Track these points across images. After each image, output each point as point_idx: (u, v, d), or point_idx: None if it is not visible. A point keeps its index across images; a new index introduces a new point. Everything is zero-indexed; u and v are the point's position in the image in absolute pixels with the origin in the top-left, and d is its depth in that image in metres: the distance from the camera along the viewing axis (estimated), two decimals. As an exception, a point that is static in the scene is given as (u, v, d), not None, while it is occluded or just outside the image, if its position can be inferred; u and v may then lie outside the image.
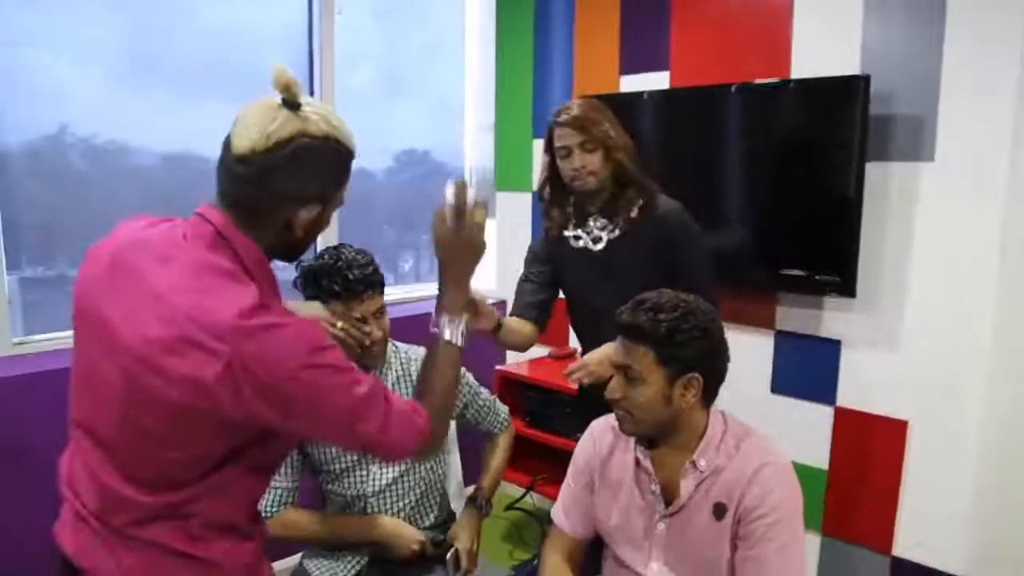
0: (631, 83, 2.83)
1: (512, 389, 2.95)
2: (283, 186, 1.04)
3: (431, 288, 3.23)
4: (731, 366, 1.40)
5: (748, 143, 2.42)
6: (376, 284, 1.67)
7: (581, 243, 1.90)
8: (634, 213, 1.84)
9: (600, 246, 1.88)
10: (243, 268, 1.05)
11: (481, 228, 1.22)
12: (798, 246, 2.36)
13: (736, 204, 2.50)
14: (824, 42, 2.33)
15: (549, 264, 1.96)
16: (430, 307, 1.23)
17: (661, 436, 1.40)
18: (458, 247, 1.21)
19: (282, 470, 1.71)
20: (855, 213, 2.19)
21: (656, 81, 2.75)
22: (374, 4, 3.10)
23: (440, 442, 1.22)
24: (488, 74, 3.36)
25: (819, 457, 2.47)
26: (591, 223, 1.89)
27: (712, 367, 1.36)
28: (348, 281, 1.62)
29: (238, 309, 0.97)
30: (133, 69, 2.40)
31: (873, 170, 2.22)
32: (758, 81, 2.38)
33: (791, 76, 2.39)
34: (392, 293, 3.17)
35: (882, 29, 2.21)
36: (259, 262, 1.08)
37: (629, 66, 2.85)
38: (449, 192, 1.19)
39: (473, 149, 3.47)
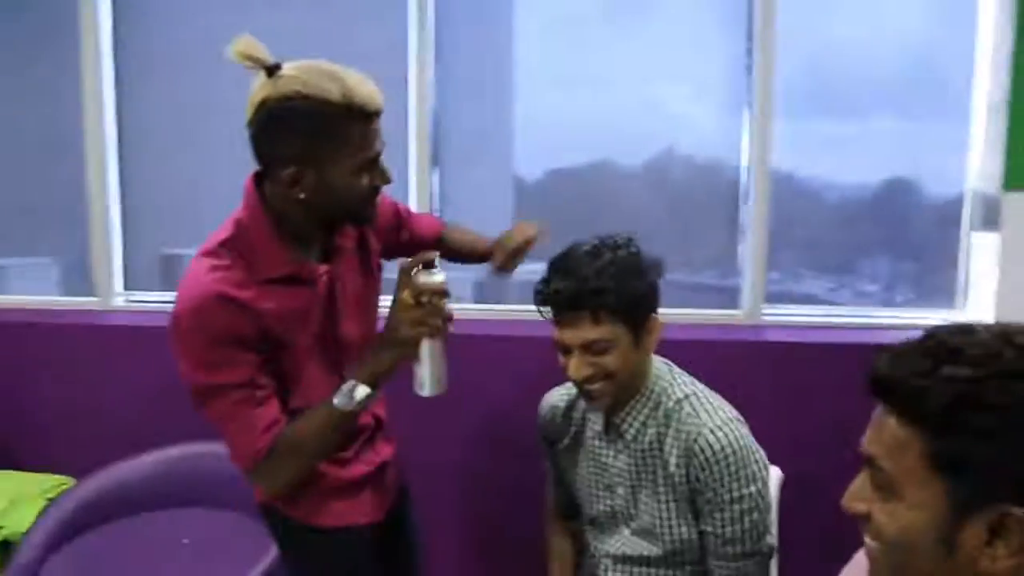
0: None
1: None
2: (264, 148, 1.13)
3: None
4: None
5: None
6: (586, 306, 1.22)
7: None
8: None
9: None
10: (238, 222, 1.18)
11: (439, 317, 1.15)
12: None
13: None
14: None
15: None
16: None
17: None
18: (415, 319, 1.13)
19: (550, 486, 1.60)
20: None
21: None
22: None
23: (273, 482, 1.19)
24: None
25: None
26: None
27: None
28: (542, 294, 1.28)
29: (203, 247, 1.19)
30: (737, 94, 2.62)
31: None
32: None
33: None
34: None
35: None
36: (255, 217, 1.17)
37: None
38: (429, 274, 1.14)
39: (980, 145, 2.59)
